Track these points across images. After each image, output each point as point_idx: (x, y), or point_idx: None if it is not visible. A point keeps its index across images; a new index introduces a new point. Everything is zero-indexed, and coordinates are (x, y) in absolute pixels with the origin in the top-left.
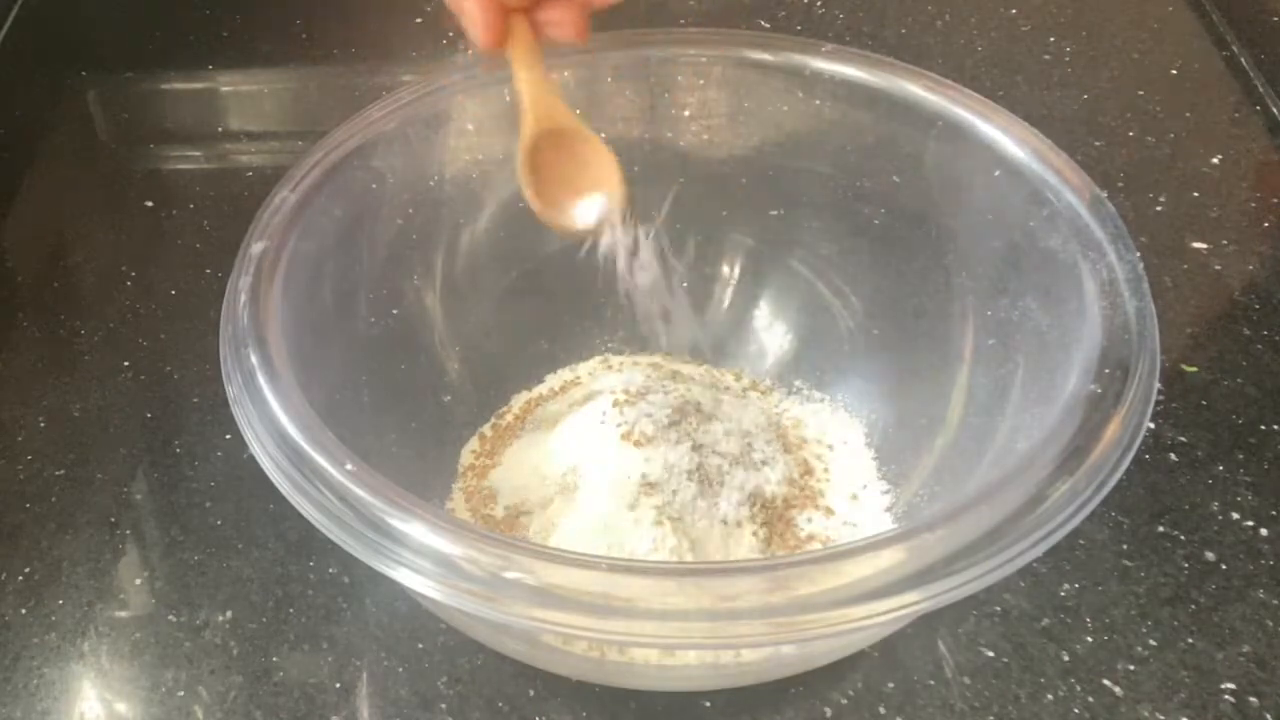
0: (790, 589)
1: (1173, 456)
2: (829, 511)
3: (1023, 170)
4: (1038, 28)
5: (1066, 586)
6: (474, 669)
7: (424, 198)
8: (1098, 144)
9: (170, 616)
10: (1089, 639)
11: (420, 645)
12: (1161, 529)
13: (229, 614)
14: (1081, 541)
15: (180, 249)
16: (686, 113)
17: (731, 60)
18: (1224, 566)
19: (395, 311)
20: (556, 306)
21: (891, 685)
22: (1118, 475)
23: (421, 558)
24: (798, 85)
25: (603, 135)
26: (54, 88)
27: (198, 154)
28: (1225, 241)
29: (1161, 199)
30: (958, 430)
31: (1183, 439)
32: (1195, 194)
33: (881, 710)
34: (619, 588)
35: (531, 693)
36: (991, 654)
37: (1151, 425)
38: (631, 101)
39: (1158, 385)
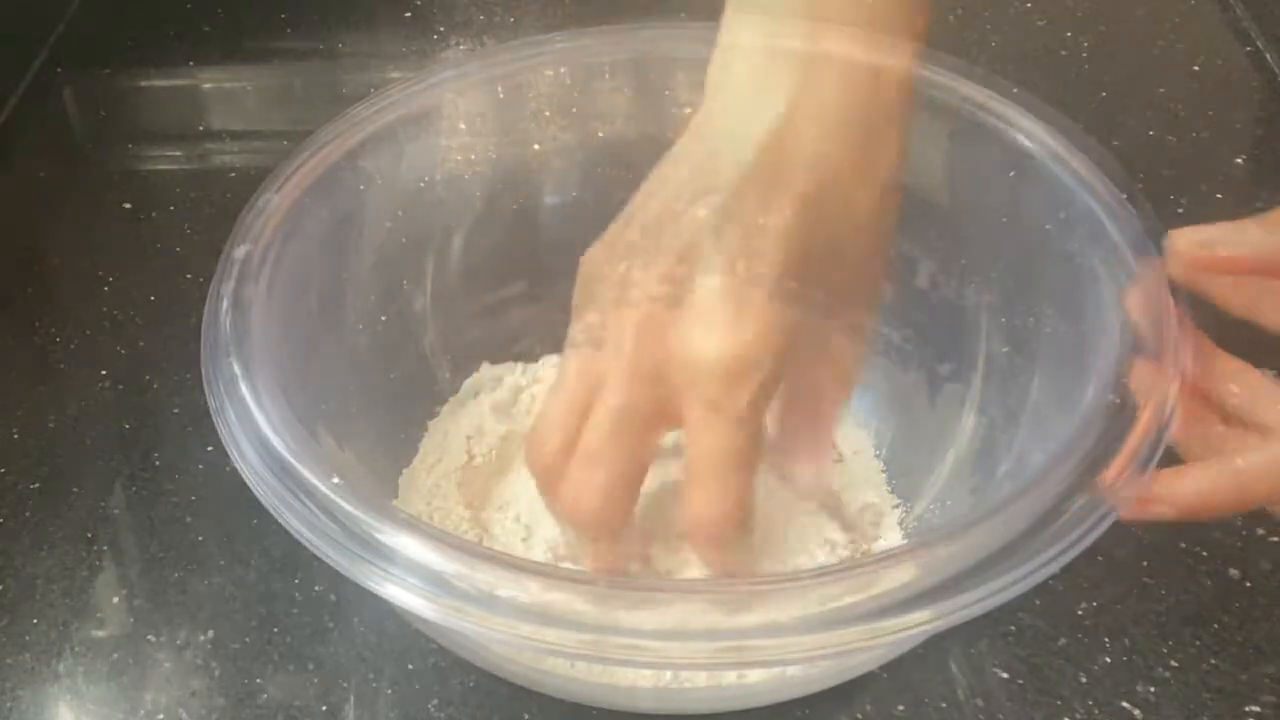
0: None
1: None
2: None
3: (1040, 171)
4: (1054, 22)
5: (1084, 605)
6: (466, 691)
7: (414, 200)
8: (1116, 143)
9: (150, 636)
10: (1107, 659)
11: (410, 666)
12: (1183, 545)
13: (211, 633)
14: (1100, 558)
15: (160, 253)
16: (688, 110)
17: None
18: (1249, 584)
19: (384, 318)
20: (553, 315)
21: (901, 708)
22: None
23: (411, 574)
24: None
25: (601, 134)
26: (27, 84)
27: (178, 154)
28: None
29: (1183, 201)
30: (971, 442)
31: None
32: (1218, 196)
33: None
34: (619, 605)
35: (527, 716)
36: (1005, 675)
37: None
38: (630, 99)
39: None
